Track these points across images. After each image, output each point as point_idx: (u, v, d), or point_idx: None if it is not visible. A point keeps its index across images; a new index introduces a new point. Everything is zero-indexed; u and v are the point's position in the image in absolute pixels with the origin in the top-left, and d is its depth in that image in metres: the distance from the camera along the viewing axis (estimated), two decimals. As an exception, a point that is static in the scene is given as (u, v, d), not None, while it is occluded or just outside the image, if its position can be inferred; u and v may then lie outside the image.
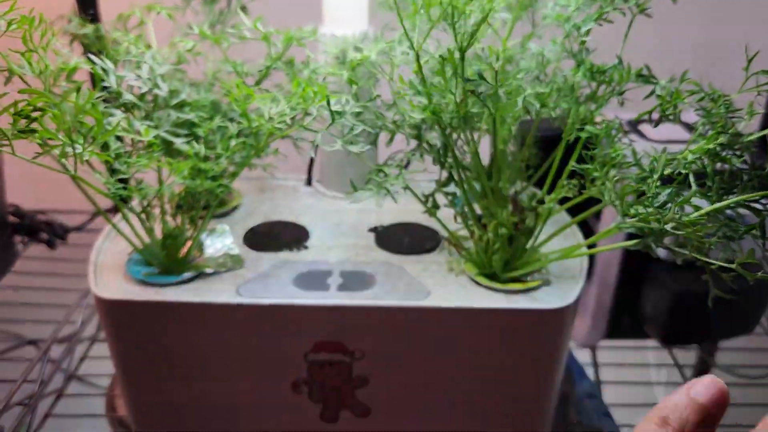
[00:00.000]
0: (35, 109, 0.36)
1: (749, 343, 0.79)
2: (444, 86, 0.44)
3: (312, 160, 0.65)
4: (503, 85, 0.45)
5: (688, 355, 0.93)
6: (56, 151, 0.39)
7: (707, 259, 0.39)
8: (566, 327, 0.49)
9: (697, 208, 0.39)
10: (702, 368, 0.90)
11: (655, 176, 0.41)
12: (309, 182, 0.65)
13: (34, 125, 0.37)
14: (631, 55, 0.48)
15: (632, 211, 0.40)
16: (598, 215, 0.74)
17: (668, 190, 0.40)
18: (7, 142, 0.37)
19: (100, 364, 0.76)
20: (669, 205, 0.40)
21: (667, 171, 0.42)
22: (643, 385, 0.95)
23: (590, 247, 0.55)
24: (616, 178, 0.41)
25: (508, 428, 0.52)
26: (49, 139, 0.38)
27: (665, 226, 0.37)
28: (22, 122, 0.37)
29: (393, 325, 0.48)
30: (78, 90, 0.37)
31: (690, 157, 0.41)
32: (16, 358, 0.77)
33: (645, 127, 0.71)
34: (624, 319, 0.76)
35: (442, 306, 0.47)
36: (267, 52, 0.51)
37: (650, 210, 0.38)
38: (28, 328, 0.81)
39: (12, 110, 0.36)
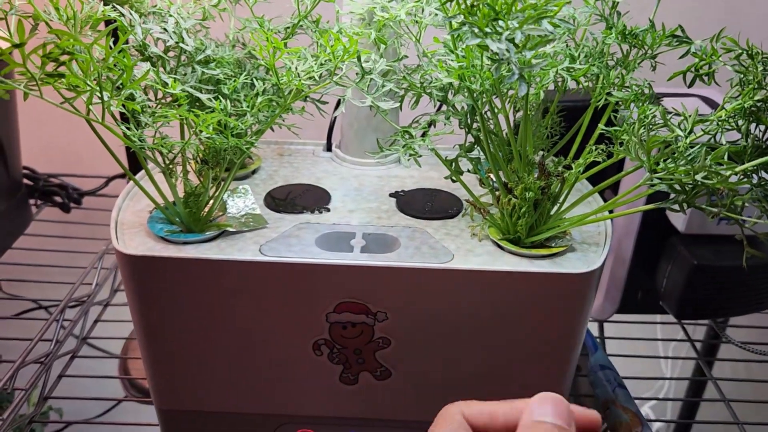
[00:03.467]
0: (64, 53, 0.35)
1: (760, 320, 0.79)
2: (471, 54, 0.44)
3: (332, 126, 0.64)
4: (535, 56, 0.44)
5: (698, 331, 0.93)
6: (83, 99, 0.38)
7: (742, 217, 0.39)
8: (590, 293, 0.49)
9: (730, 165, 0.39)
10: (712, 344, 0.91)
11: (685, 134, 0.40)
12: (329, 148, 0.65)
13: (62, 69, 0.36)
14: (660, 21, 0.48)
15: (660, 167, 0.40)
16: (615, 190, 0.74)
17: (698, 147, 0.40)
18: (35, 86, 0.36)
19: (114, 327, 0.76)
20: (700, 159, 0.39)
21: (699, 133, 0.42)
22: (652, 359, 0.96)
23: (612, 210, 0.54)
24: (641, 133, 0.40)
25: (530, 393, 0.52)
26: (76, 86, 0.38)
27: (696, 177, 0.36)
28: (50, 66, 0.36)
29: (417, 287, 0.48)
30: (108, 36, 0.36)
31: (724, 115, 0.40)
32: (32, 319, 0.77)
33: (666, 101, 0.71)
34: (638, 294, 0.76)
35: (467, 268, 0.47)
36: (294, 11, 0.50)
37: (681, 162, 0.38)
38: (41, 291, 0.81)
39: (40, 53, 0.35)
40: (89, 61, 0.36)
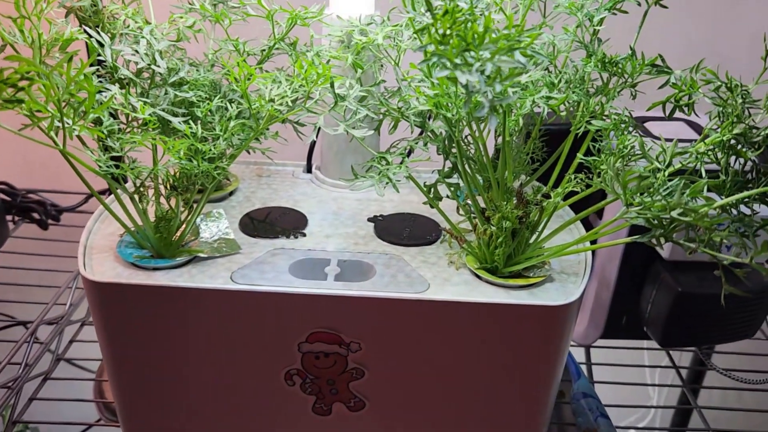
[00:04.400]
0: (23, 78, 0.34)
1: (746, 347, 0.78)
2: (445, 82, 0.43)
3: (312, 147, 0.63)
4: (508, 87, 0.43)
5: (684, 357, 0.92)
6: (45, 124, 0.37)
7: (719, 254, 0.38)
8: (569, 324, 0.48)
9: (708, 200, 0.38)
10: (698, 370, 0.90)
11: (664, 166, 0.39)
12: (308, 169, 0.64)
13: (21, 95, 0.35)
14: (640, 49, 0.47)
15: (637, 200, 0.39)
16: (600, 214, 0.73)
17: (676, 180, 0.39)
18: (-5, 113, 0.35)
19: (90, 347, 0.75)
20: (677, 194, 0.38)
21: (677, 165, 0.41)
22: (638, 386, 0.94)
23: (593, 242, 0.53)
24: (617, 167, 0.39)
25: (506, 426, 0.51)
26: (38, 111, 0.37)
27: (672, 214, 0.36)
28: (9, 91, 0.35)
29: (391, 317, 0.46)
30: (70, 60, 0.35)
31: (702, 148, 0.40)
32: (4, 339, 0.75)
33: (651, 125, 0.70)
34: (622, 319, 0.75)
35: (443, 299, 0.46)
36: (270, 32, 0.49)
37: (657, 197, 0.37)
38: (17, 309, 0.79)
39: (-1, 79, 0.34)
40: (49, 87, 0.35)
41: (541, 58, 0.34)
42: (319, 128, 0.56)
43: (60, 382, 0.69)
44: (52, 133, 0.37)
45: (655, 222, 0.39)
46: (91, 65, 0.43)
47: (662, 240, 0.39)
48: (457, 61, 0.33)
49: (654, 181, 0.38)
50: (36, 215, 0.82)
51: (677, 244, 0.39)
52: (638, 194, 0.38)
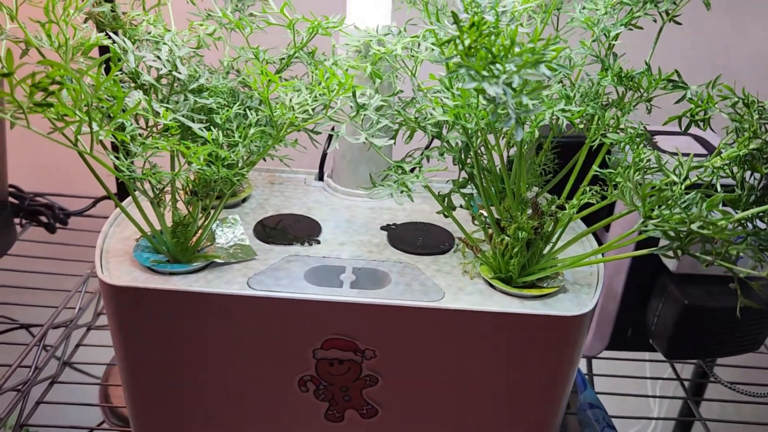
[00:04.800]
0: (53, 82, 0.35)
1: (747, 360, 0.79)
2: (467, 93, 0.43)
3: (324, 155, 0.64)
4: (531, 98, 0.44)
5: (686, 369, 0.93)
6: (72, 128, 0.37)
7: (736, 267, 0.39)
8: (582, 334, 0.48)
9: (725, 214, 0.39)
10: (700, 383, 0.90)
11: (680, 180, 0.40)
12: (321, 177, 0.64)
13: (51, 99, 0.35)
14: (654, 62, 0.48)
15: (655, 213, 0.39)
16: (607, 228, 0.73)
17: (693, 194, 0.40)
18: (22, 115, 0.35)
19: (96, 352, 0.75)
20: (694, 208, 0.39)
21: (693, 178, 0.42)
22: (638, 398, 0.95)
23: (604, 254, 0.54)
24: (637, 179, 0.40)
25: (518, 435, 0.51)
26: (65, 115, 0.37)
27: (692, 227, 0.36)
28: (39, 95, 0.35)
29: (407, 325, 0.47)
30: (100, 66, 0.36)
31: (718, 163, 0.40)
32: (11, 343, 0.75)
33: (659, 139, 0.71)
34: (628, 331, 0.75)
35: (458, 308, 0.46)
36: (290, 40, 0.50)
37: (675, 210, 0.37)
38: (24, 313, 0.79)
39: (29, 82, 0.34)
40: (79, 91, 0.35)
41: (563, 71, 0.34)
42: (334, 143, 0.56)
43: (66, 386, 0.69)
44: (79, 137, 0.38)
45: (672, 235, 0.40)
46: (108, 64, 0.43)
47: (679, 252, 0.40)
48: (484, 73, 0.33)
49: (671, 194, 0.39)
50: (44, 218, 0.82)
51: (693, 257, 0.40)
52: (656, 207, 0.39)
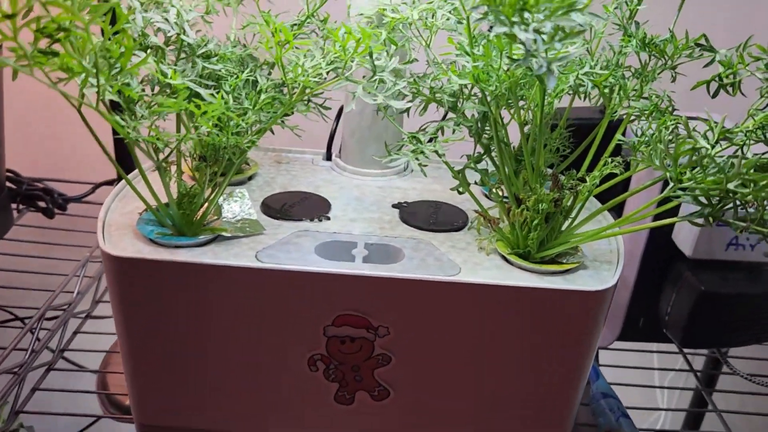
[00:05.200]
0: (59, 28, 0.33)
1: (760, 351, 0.77)
2: (490, 53, 0.42)
3: (332, 134, 0.62)
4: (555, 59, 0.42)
5: (697, 360, 0.91)
6: (78, 80, 0.36)
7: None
8: (603, 311, 0.46)
9: (762, 175, 0.37)
10: (712, 374, 0.88)
11: (713, 143, 0.38)
12: (329, 157, 0.62)
13: (57, 47, 0.34)
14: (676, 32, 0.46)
15: (686, 176, 0.38)
16: (620, 212, 0.72)
17: (726, 158, 0.38)
18: (26, 63, 0.34)
19: (94, 340, 0.72)
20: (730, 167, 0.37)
21: (725, 144, 0.40)
22: (647, 388, 0.93)
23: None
24: (668, 138, 0.38)
25: (536, 415, 0.49)
26: (70, 68, 0.35)
27: (729, 185, 0.34)
28: (43, 42, 0.33)
29: (422, 300, 0.45)
30: (109, 12, 0.34)
31: (751, 125, 0.39)
32: (9, 326, 0.73)
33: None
34: (640, 321, 0.73)
35: (477, 282, 0.44)
36: (300, 8, 0.48)
37: (710, 171, 0.36)
38: (20, 298, 0.77)
39: (33, 26, 0.32)
40: (86, 40, 0.34)
41: (596, 19, 0.32)
42: (341, 115, 0.54)
43: (62, 374, 0.67)
44: (84, 91, 0.36)
45: (704, 201, 0.38)
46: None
47: (711, 220, 0.38)
48: (514, 18, 0.32)
49: (702, 158, 0.37)
50: (42, 204, 0.80)
51: (726, 223, 0.38)
52: (688, 170, 0.37)
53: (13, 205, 0.80)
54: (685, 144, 0.36)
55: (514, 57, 0.38)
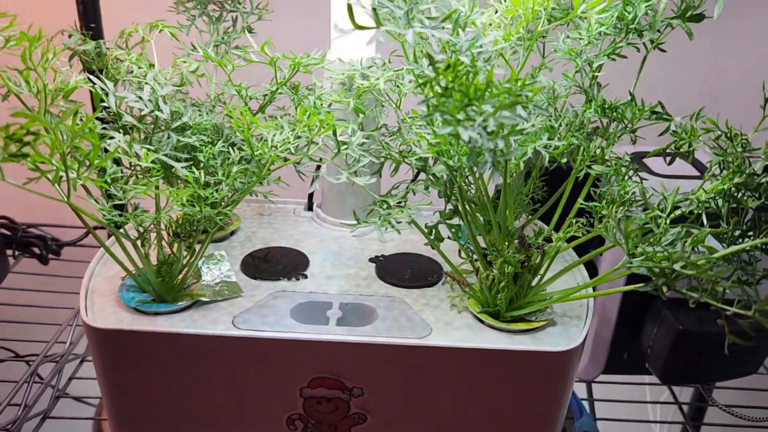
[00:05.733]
0: (29, 133, 0.34)
1: (749, 382, 0.78)
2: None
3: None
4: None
5: (685, 392, 0.91)
6: (49, 176, 0.37)
7: (723, 306, 0.38)
8: (572, 369, 0.48)
9: (710, 249, 0.38)
10: (700, 407, 0.89)
11: (665, 215, 0.39)
12: (309, 207, 0.64)
13: (27, 149, 0.35)
14: (642, 82, 0.48)
15: (638, 250, 0.39)
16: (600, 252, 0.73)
17: (677, 229, 0.39)
18: (-1, 166, 0.35)
19: (90, 384, 0.74)
20: (679, 245, 0.38)
21: (679, 211, 0.41)
22: (640, 423, 0.94)
23: (595, 287, 0.53)
24: (619, 216, 0.40)
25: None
26: (42, 163, 0.37)
27: (675, 266, 0.36)
28: (14, 146, 0.35)
29: (394, 362, 0.46)
30: (76, 114, 0.35)
31: (703, 196, 0.40)
32: (3, 376, 0.75)
33: (650, 161, 0.70)
34: (624, 355, 0.74)
35: (446, 345, 0.46)
36: (273, 76, 0.50)
37: (657, 249, 0.37)
38: (17, 346, 0.79)
39: (2, 134, 0.34)
40: (54, 141, 0.35)
41: (541, 113, 0.34)
42: (315, 183, 0.56)
43: (59, 421, 0.68)
44: (57, 185, 0.37)
45: (657, 272, 0.39)
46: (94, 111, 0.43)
47: (665, 289, 0.39)
48: (459, 116, 0.33)
49: (656, 229, 0.38)
50: (36, 250, 0.82)
51: (680, 293, 0.39)
52: (640, 244, 0.38)
53: (9, 252, 0.82)
54: (634, 222, 0.37)
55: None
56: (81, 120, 0.37)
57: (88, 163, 0.37)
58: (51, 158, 0.36)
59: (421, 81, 0.37)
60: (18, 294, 0.81)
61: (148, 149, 0.43)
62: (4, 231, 0.82)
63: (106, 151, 0.43)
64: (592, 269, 0.71)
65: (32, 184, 0.36)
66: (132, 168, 0.48)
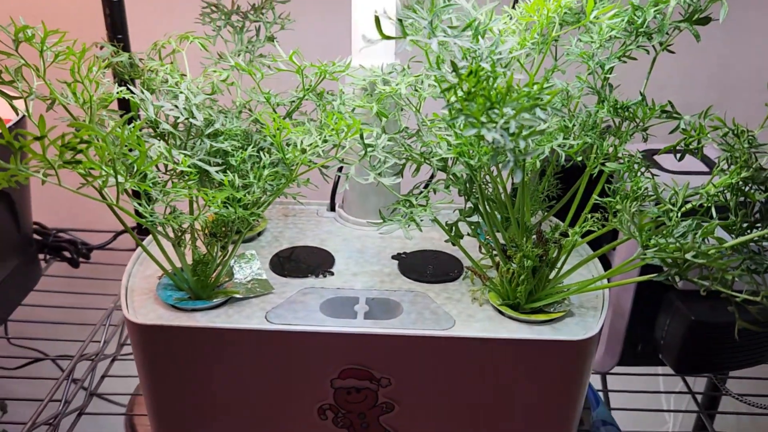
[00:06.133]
0: (81, 141, 0.37)
1: (763, 371, 0.80)
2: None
3: (335, 186, 0.66)
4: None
5: (698, 382, 0.93)
6: (98, 181, 0.40)
7: (733, 292, 0.40)
8: (589, 357, 0.50)
9: (720, 240, 0.40)
10: (714, 396, 0.91)
11: (676, 208, 0.42)
12: (332, 207, 0.67)
13: (80, 156, 0.38)
14: (652, 79, 0.50)
15: (652, 242, 0.41)
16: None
17: (688, 222, 0.41)
18: (52, 172, 0.38)
19: (121, 382, 0.77)
20: (690, 236, 0.41)
21: (689, 205, 0.44)
22: (655, 412, 0.96)
23: (609, 278, 0.55)
24: (634, 210, 0.42)
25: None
26: (91, 168, 0.40)
27: (686, 256, 0.38)
28: (68, 154, 0.38)
29: (420, 353, 0.49)
30: (125, 123, 0.38)
31: (712, 190, 0.42)
32: (38, 376, 0.78)
33: (660, 158, 0.72)
34: (638, 346, 0.76)
35: (469, 336, 0.48)
36: (299, 83, 0.52)
37: (670, 240, 0.39)
38: (50, 347, 0.82)
39: (59, 142, 0.37)
40: (105, 148, 0.38)
41: (559, 114, 0.36)
42: (345, 183, 0.58)
43: (93, 417, 0.71)
44: (106, 190, 0.40)
45: (670, 262, 0.41)
46: (131, 119, 0.46)
47: (677, 278, 0.42)
48: (483, 119, 0.36)
49: (668, 224, 0.41)
50: (67, 254, 0.85)
51: (691, 281, 0.42)
52: (654, 236, 0.41)
53: (41, 256, 0.85)
54: (647, 216, 0.40)
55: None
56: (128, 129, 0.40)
57: (134, 169, 0.40)
58: (102, 164, 0.38)
59: (445, 87, 0.39)
60: (51, 296, 0.84)
61: (186, 155, 0.46)
62: (36, 236, 0.85)
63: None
64: (604, 263, 0.73)
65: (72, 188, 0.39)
66: (168, 172, 0.50)
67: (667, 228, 0.40)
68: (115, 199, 0.42)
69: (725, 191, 0.42)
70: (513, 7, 0.49)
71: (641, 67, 0.51)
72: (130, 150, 0.40)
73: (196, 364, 0.50)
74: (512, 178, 0.58)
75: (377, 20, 0.39)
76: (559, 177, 0.58)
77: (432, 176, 0.58)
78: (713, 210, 0.43)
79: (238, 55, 0.60)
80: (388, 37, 0.39)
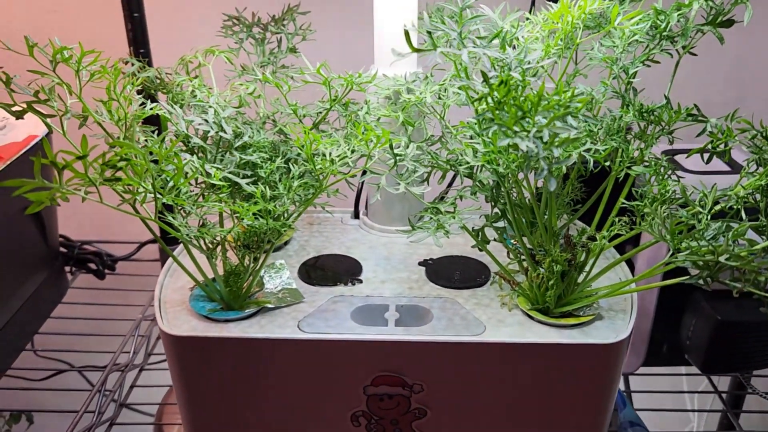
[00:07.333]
0: (121, 159, 0.38)
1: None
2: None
3: (359, 194, 0.67)
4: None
5: (722, 381, 0.93)
6: (138, 197, 0.41)
7: (765, 294, 0.41)
8: (620, 360, 0.50)
9: (751, 242, 0.41)
10: (739, 394, 0.91)
11: (705, 211, 0.42)
12: (356, 215, 0.67)
13: (119, 174, 0.39)
14: (663, 86, 0.50)
15: (683, 245, 0.42)
16: (637, 245, 0.75)
17: (718, 224, 0.42)
18: (93, 190, 0.39)
19: (148, 392, 0.78)
20: (721, 239, 0.41)
21: (718, 207, 0.44)
22: (680, 412, 0.96)
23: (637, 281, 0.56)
24: (665, 214, 0.42)
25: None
26: (129, 185, 0.40)
27: (720, 258, 0.38)
28: (108, 172, 0.39)
29: (451, 359, 0.49)
30: (163, 141, 0.39)
31: (741, 192, 0.42)
32: (63, 388, 0.78)
33: (681, 158, 0.73)
34: (663, 347, 0.77)
35: (500, 341, 0.48)
36: (325, 94, 0.53)
37: (702, 243, 0.40)
38: (79, 358, 0.83)
39: (100, 161, 0.38)
40: (144, 165, 0.39)
41: (590, 121, 0.37)
42: (365, 173, 0.59)
43: (123, 427, 0.72)
44: (144, 206, 0.41)
45: (702, 264, 0.42)
46: (160, 132, 0.47)
47: (709, 281, 0.42)
48: (515, 128, 0.36)
49: (698, 225, 0.41)
50: (93, 266, 0.86)
51: (724, 284, 0.42)
52: (685, 240, 0.41)
53: (67, 269, 0.86)
54: (678, 219, 0.40)
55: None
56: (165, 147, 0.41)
57: (172, 184, 0.41)
58: (141, 181, 0.39)
59: (476, 98, 0.40)
60: (78, 308, 0.85)
61: (217, 168, 0.47)
62: (62, 249, 0.86)
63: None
64: (629, 266, 0.73)
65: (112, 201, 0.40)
66: (198, 185, 0.51)
67: (698, 231, 0.41)
68: (153, 215, 0.42)
69: (754, 193, 0.42)
70: (530, 11, 0.50)
71: (659, 67, 0.51)
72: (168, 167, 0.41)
73: (230, 374, 0.51)
74: (538, 184, 0.58)
75: (407, 34, 0.39)
76: (582, 180, 0.59)
77: (450, 184, 0.59)
78: (743, 212, 0.44)
79: (262, 66, 0.61)
80: (419, 50, 0.39)
